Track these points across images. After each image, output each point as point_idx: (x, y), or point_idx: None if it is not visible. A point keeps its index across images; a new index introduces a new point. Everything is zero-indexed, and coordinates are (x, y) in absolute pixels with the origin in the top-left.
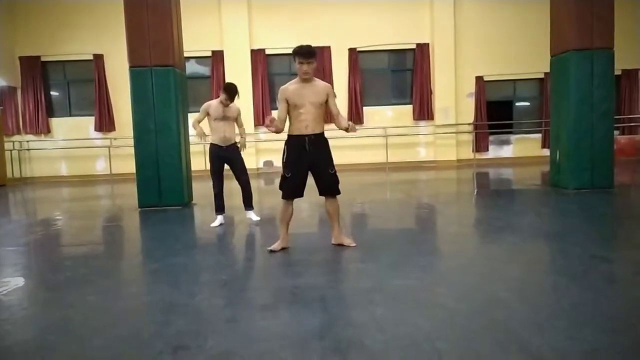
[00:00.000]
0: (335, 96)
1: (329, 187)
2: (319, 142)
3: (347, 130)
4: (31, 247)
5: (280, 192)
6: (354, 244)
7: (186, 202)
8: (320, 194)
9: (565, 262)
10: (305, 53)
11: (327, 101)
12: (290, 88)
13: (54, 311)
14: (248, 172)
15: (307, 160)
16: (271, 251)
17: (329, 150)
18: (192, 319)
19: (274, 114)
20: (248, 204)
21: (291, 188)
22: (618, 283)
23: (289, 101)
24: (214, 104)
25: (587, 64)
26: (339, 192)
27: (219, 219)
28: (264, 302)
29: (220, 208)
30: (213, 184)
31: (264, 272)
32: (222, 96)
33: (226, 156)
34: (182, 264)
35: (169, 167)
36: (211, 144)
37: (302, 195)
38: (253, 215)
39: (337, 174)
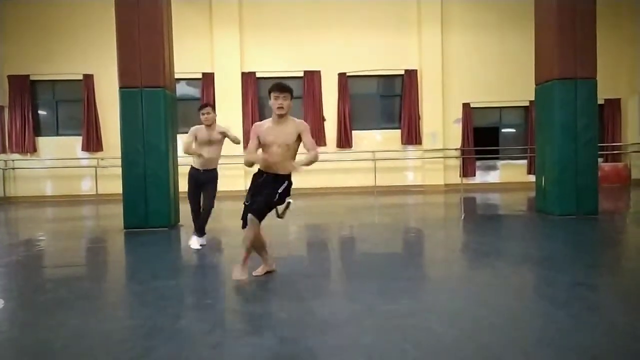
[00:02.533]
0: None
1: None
2: (277, 179)
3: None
4: (12, 268)
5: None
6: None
7: (173, 223)
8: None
9: (550, 289)
10: (279, 86)
11: (299, 137)
12: (264, 125)
13: (34, 334)
14: (216, 198)
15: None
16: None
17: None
18: (176, 343)
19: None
20: (199, 228)
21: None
22: (602, 310)
23: (260, 139)
24: (201, 128)
25: (570, 93)
26: (256, 215)
27: (199, 240)
28: (250, 327)
29: (200, 229)
30: (190, 207)
31: (251, 297)
32: (202, 116)
33: (202, 179)
34: (167, 287)
35: (156, 189)
36: (190, 167)
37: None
38: (196, 243)
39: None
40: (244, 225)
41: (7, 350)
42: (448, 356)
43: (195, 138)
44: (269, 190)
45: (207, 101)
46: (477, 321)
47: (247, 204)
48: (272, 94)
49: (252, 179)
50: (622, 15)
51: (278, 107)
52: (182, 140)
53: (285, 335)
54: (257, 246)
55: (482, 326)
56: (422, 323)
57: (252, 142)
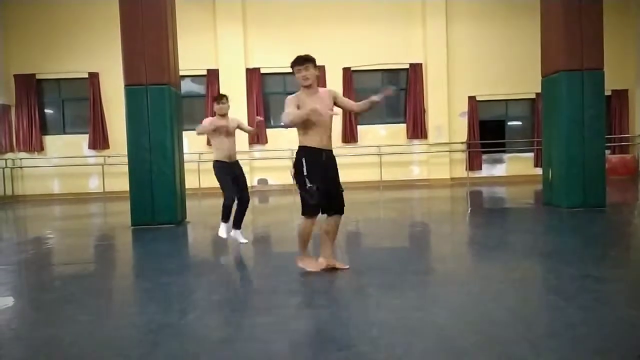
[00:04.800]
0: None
1: (340, 204)
2: (332, 159)
3: (376, 102)
4: (21, 266)
5: (303, 209)
6: (346, 267)
7: (180, 220)
8: (330, 213)
9: (558, 282)
10: (299, 59)
11: (337, 104)
12: (300, 97)
13: (43, 331)
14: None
15: (323, 172)
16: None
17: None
18: (183, 339)
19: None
20: (238, 223)
21: (317, 200)
22: (610, 303)
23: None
24: (215, 120)
25: (577, 84)
26: (343, 212)
27: (226, 227)
28: (257, 323)
29: (228, 217)
30: (226, 195)
31: (257, 292)
32: (217, 106)
33: (233, 171)
34: (174, 283)
35: (162, 185)
36: (216, 161)
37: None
38: (241, 237)
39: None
40: (310, 212)
41: (18, 347)
42: (454, 349)
43: (214, 130)
44: (335, 175)
45: (214, 97)
46: (484, 314)
47: (313, 186)
48: (294, 69)
49: (308, 157)
50: (629, 4)
51: (303, 78)
52: (198, 128)
53: (292, 330)
54: (309, 239)
55: (489, 319)
56: (428, 316)
57: (292, 108)
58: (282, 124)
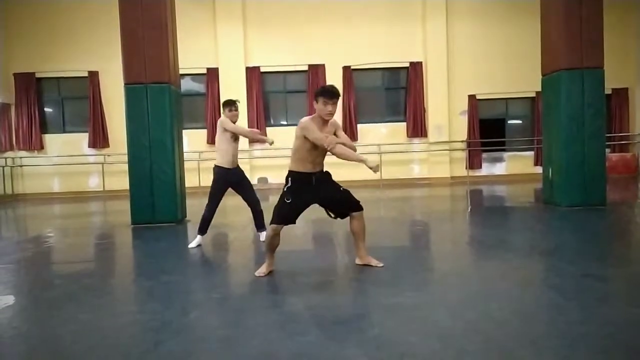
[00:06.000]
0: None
1: (350, 204)
2: (323, 175)
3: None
4: (22, 264)
5: (273, 218)
6: (381, 265)
7: (180, 219)
8: (343, 217)
9: (559, 280)
10: (332, 93)
11: (335, 134)
12: (315, 124)
13: (44, 330)
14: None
15: (312, 194)
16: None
17: (331, 178)
18: (184, 338)
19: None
20: (261, 224)
21: (288, 214)
22: (611, 301)
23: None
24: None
25: (577, 83)
26: (361, 207)
27: (199, 239)
28: (257, 322)
29: (204, 230)
30: (208, 206)
31: (258, 292)
32: (230, 112)
33: (234, 180)
34: (175, 282)
35: (162, 184)
36: (219, 167)
37: (294, 222)
38: (263, 237)
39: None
40: (278, 221)
41: (19, 345)
42: (455, 349)
43: (225, 130)
44: (334, 187)
45: (229, 101)
46: (485, 313)
47: (288, 201)
48: (322, 99)
49: (296, 179)
50: (630, 3)
51: (329, 114)
52: (239, 130)
53: (293, 330)
54: (274, 247)
55: (490, 318)
56: (428, 316)
57: (320, 133)
58: (326, 146)
